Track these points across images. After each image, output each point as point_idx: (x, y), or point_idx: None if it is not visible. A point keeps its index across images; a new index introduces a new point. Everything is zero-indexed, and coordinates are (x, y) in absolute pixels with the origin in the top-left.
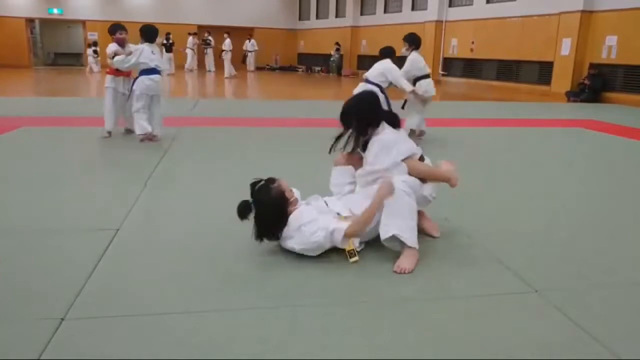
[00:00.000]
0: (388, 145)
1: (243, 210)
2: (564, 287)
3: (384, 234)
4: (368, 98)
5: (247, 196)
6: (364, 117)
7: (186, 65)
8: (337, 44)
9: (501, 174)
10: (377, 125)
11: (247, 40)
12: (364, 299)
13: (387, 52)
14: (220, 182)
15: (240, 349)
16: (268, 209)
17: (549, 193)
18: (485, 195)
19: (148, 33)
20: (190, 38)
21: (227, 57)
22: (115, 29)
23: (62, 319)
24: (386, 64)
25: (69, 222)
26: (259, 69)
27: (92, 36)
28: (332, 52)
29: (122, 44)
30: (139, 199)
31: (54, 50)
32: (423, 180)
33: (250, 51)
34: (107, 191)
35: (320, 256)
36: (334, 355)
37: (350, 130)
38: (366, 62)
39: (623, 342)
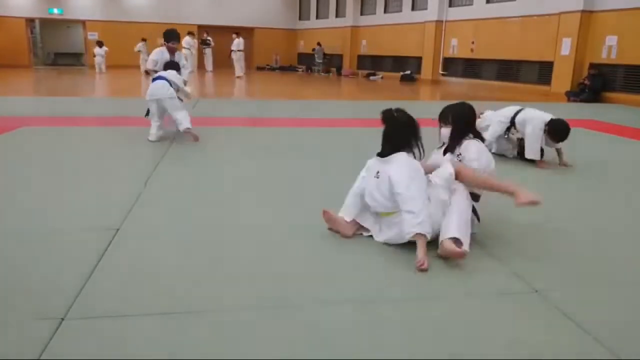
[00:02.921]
0: (484, 150)
1: (388, 115)
2: (564, 287)
3: (445, 234)
4: (473, 108)
5: (247, 198)
6: (470, 122)
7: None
8: (318, 44)
9: (500, 173)
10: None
11: (235, 39)
12: (363, 298)
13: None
14: (220, 182)
15: (241, 349)
16: (407, 122)
17: (548, 193)
18: (484, 195)
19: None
20: (188, 37)
21: (236, 57)
22: (171, 37)
23: (62, 319)
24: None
25: (69, 222)
26: (259, 69)
27: (92, 36)
28: (314, 52)
29: (172, 52)
30: (139, 199)
31: (54, 50)
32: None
33: (233, 50)
34: (107, 191)
35: (318, 257)
36: (333, 355)
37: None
38: (366, 62)
39: (623, 342)
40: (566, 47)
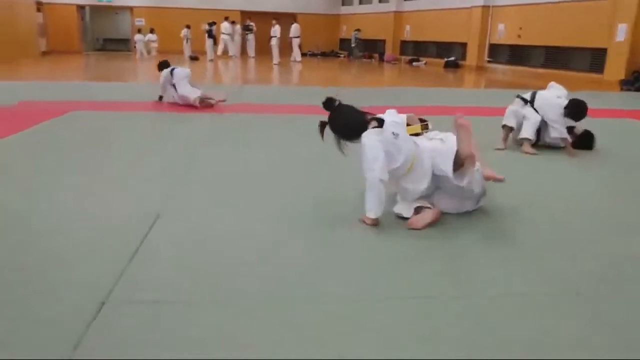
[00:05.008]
0: None
1: (327, 103)
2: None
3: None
4: None
5: (290, 190)
6: None
7: (230, 52)
8: (357, 30)
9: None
10: None
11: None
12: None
13: None
14: (265, 173)
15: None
16: (348, 111)
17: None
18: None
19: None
20: (225, 23)
21: (274, 44)
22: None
23: (103, 303)
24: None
25: (110, 207)
26: (301, 54)
27: (139, 22)
28: (351, 38)
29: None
30: (180, 185)
31: (102, 36)
32: None
33: (272, 36)
34: (149, 177)
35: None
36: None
37: None
38: (409, 47)
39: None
40: (621, 32)
